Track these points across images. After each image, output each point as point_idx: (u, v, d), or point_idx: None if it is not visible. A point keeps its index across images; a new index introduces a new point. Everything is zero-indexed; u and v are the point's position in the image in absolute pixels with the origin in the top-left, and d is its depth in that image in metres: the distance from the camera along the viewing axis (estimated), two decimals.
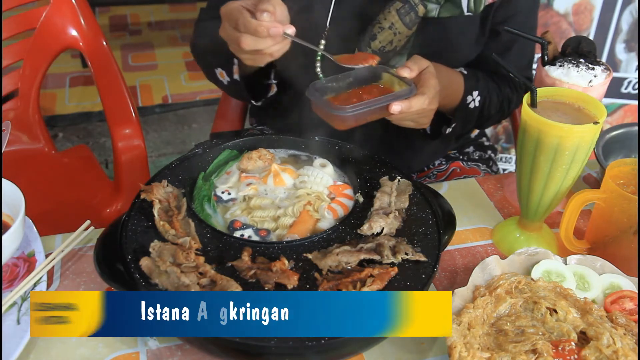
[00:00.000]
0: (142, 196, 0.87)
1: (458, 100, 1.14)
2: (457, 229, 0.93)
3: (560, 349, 0.75)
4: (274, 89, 1.18)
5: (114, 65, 1.55)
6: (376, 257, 0.81)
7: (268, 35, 0.86)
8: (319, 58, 1.14)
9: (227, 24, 0.90)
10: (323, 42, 1.13)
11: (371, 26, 1.10)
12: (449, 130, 1.17)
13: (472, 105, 1.16)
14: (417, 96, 0.94)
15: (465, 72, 1.17)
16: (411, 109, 0.94)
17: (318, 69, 1.16)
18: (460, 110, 1.15)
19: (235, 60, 1.07)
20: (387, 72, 0.98)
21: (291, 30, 0.88)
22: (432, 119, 1.03)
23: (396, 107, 0.92)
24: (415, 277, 0.79)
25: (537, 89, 0.90)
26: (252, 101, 1.18)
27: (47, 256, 0.90)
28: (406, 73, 0.96)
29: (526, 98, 0.90)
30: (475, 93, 1.16)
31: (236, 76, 1.10)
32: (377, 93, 0.96)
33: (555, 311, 0.81)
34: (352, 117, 0.90)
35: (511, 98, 1.25)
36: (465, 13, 1.11)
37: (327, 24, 1.11)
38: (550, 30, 1.03)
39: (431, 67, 1.00)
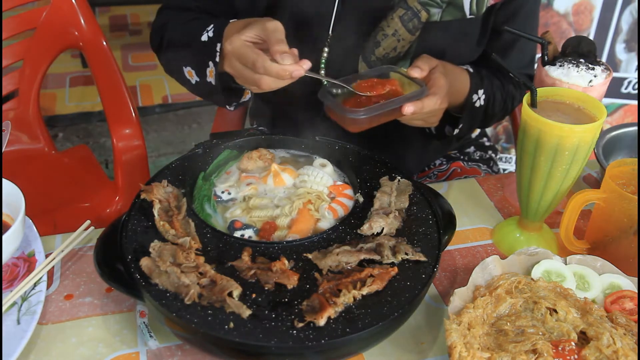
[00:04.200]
0: (142, 196, 0.87)
1: (463, 98, 1.14)
2: (457, 229, 0.93)
3: (560, 349, 0.75)
4: (247, 95, 1.12)
5: (114, 65, 1.55)
6: (376, 257, 0.81)
7: (289, 78, 0.86)
8: (323, 65, 1.14)
9: (238, 62, 0.88)
10: (326, 49, 1.13)
11: (374, 33, 1.10)
12: (456, 131, 1.17)
13: (477, 104, 1.15)
14: (429, 97, 0.95)
15: (471, 70, 1.16)
16: (423, 110, 0.95)
17: (322, 74, 1.16)
18: (467, 110, 1.14)
19: (211, 63, 1.01)
20: (397, 72, 0.99)
21: (307, 65, 0.87)
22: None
23: (409, 109, 0.93)
24: (415, 277, 0.79)
25: (537, 89, 0.91)
26: (227, 106, 1.11)
27: (47, 256, 0.90)
28: (417, 73, 0.97)
29: (526, 98, 0.90)
30: (481, 92, 1.15)
31: (210, 79, 1.04)
32: (388, 94, 0.97)
33: (555, 311, 0.80)
34: (366, 120, 0.92)
35: (515, 95, 1.25)
36: (468, 16, 1.11)
37: (330, 32, 1.11)
38: (550, 30, 1.03)
39: (440, 66, 1.01)
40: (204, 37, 1.01)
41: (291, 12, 1.12)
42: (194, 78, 1.07)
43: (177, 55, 1.10)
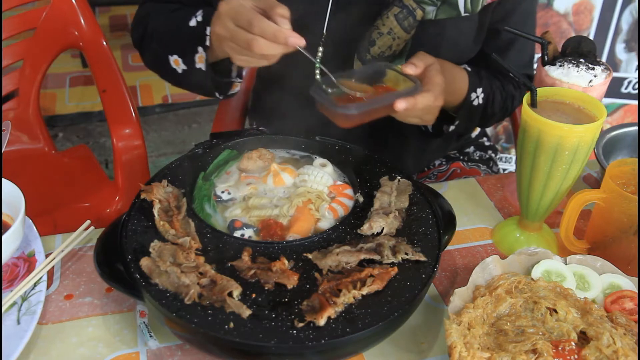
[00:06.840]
0: (142, 196, 0.87)
1: (462, 97, 1.14)
2: (457, 229, 0.93)
3: (560, 349, 0.75)
4: (236, 87, 1.10)
5: (114, 65, 1.55)
6: (376, 257, 0.81)
7: (285, 43, 0.83)
8: (318, 65, 1.14)
9: (231, 22, 0.86)
10: (321, 49, 1.12)
11: (369, 32, 1.09)
12: (451, 128, 1.16)
13: (475, 103, 1.15)
14: (423, 93, 0.94)
15: (469, 69, 1.16)
16: (417, 107, 0.93)
17: (318, 76, 1.15)
18: (464, 108, 1.14)
19: (200, 49, 0.99)
20: (392, 69, 0.98)
21: (303, 42, 0.85)
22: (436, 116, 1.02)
23: (400, 105, 0.91)
24: (415, 277, 0.79)
25: (537, 89, 0.91)
26: (216, 93, 1.09)
27: (47, 256, 0.90)
28: (411, 70, 0.96)
29: (526, 98, 0.90)
30: (479, 90, 1.15)
31: (200, 65, 1.01)
32: (383, 92, 0.96)
33: (555, 311, 0.80)
34: (357, 115, 0.90)
35: (515, 95, 1.25)
36: (463, 14, 1.11)
37: (324, 31, 1.11)
38: (550, 30, 1.03)
39: (436, 64, 1.00)
40: (192, 23, 1.00)
41: None
42: (180, 67, 1.04)
43: (162, 44, 1.07)
